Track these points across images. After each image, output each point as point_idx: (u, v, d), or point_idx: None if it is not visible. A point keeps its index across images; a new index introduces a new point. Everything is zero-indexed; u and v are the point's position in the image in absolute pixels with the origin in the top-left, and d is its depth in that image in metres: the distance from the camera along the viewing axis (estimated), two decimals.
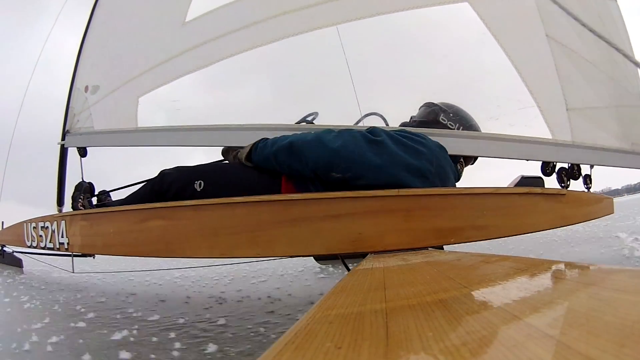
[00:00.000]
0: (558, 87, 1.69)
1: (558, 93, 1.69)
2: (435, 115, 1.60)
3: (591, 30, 1.57)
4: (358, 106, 1.94)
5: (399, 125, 1.67)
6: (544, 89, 1.71)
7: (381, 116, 1.76)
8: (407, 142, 1.24)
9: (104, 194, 1.82)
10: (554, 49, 1.70)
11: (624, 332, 0.21)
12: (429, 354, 0.23)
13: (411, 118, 1.67)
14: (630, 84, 1.71)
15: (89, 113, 2.03)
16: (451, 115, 1.59)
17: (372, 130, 1.27)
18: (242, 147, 1.45)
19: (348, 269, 1.25)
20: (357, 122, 1.74)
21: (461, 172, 1.55)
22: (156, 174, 1.48)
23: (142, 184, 1.54)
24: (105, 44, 2.10)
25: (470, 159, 1.61)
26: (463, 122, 1.58)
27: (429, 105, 1.66)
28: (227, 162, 1.54)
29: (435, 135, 1.50)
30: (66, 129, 2.06)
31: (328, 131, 1.27)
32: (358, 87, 1.96)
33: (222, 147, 1.63)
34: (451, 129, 1.57)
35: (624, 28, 1.76)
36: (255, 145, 1.37)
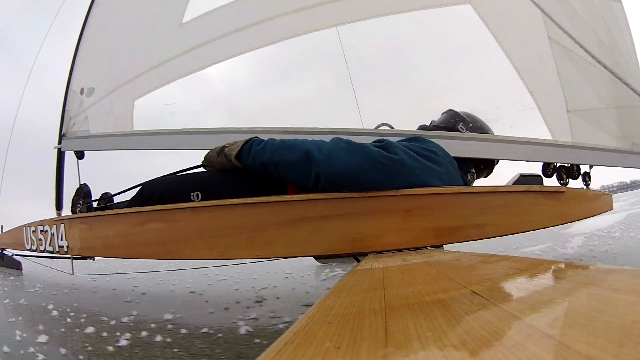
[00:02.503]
0: (559, 89, 1.70)
1: (559, 95, 1.70)
2: (454, 124, 1.61)
3: (599, 62, 1.59)
4: (357, 107, 1.94)
5: (418, 128, 1.68)
6: (545, 91, 1.72)
7: (390, 126, 1.71)
8: (422, 160, 1.20)
9: (107, 197, 1.81)
10: (555, 51, 1.70)
11: (623, 332, 0.21)
12: (428, 354, 0.23)
13: (431, 122, 1.68)
14: (631, 84, 1.71)
15: (85, 116, 2.02)
16: (470, 125, 1.60)
17: (387, 146, 1.18)
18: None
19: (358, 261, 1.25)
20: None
21: (471, 183, 1.55)
22: (140, 184, 1.42)
23: (130, 198, 1.48)
24: (101, 46, 2.09)
25: (483, 172, 1.62)
26: (480, 132, 1.60)
27: (450, 112, 1.67)
28: (227, 170, 1.41)
29: (434, 137, 1.50)
30: (62, 132, 2.05)
31: (336, 144, 1.18)
32: (357, 89, 1.96)
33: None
34: None
35: (627, 28, 1.76)
36: (248, 145, 1.28)
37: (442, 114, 1.70)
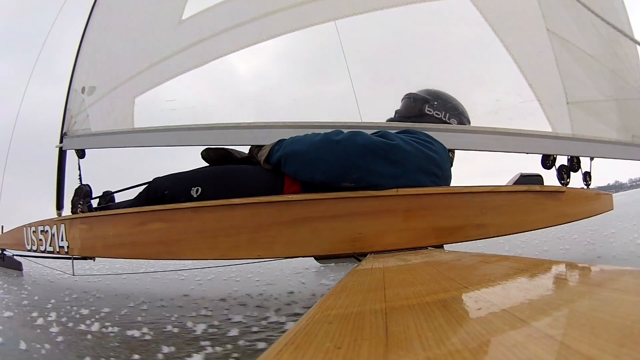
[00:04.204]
0: (558, 81, 1.69)
1: (558, 87, 1.69)
2: (420, 108, 1.55)
3: (592, 12, 1.56)
4: (356, 103, 1.94)
5: (386, 121, 1.63)
6: (544, 83, 1.71)
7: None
8: (420, 147, 1.21)
9: (108, 195, 1.81)
10: (554, 43, 1.70)
11: (624, 332, 0.21)
12: (428, 354, 0.23)
13: (396, 112, 1.63)
14: (631, 76, 1.70)
15: (86, 115, 2.03)
16: (435, 104, 1.55)
17: (385, 134, 1.22)
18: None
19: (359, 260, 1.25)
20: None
21: (452, 159, 1.53)
22: (149, 181, 1.44)
23: (137, 194, 1.51)
24: (102, 44, 2.10)
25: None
26: (449, 108, 1.55)
27: (409, 96, 1.61)
28: (224, 165, 1.48)
29: (433, 130, 1.50)
30: (64, 131, 2.06)
31: (337, 133, 1.21)
32: (355, 83, 1.96)
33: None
34: (438, 117, 1.54)
35: (627, 20, 1.75)
36: (272, 148, 1.32)
37: (402, 99, 1.64)
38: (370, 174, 1.16)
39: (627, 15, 1.76)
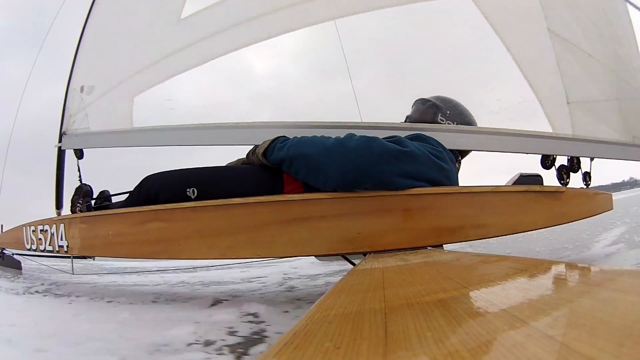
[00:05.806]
0: (559, 81, 1.69)
1: (559, 87, 1.69)
2: (432, 116, 1.56)
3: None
4: (356, 103, 1.94)
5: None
6: (545, 83, 1.71)
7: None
8: (432, 157, 1.21)
9: (104, 195, 1.80)
10: (555, 43, 1.69)
11: (623, 332, 0.21)
12: (427, 354, 0.23)
13: (406, 118, 1.63)
14: (632, 77, 1.70)
15: (85, 114, 2.02)
16: (448, 113, 1.56)
17: (399, 140, 1.20)
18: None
19: (353, 264, 1.25)
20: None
21: (458, 169, 1.54)
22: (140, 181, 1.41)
23: (129, 194, 1.48)
24: (101, 43, 2.09)
25: (465, 153, 1.61)
26: (460, 118, 1.57)
27: (423, 102, 1.61)
28: (221, 165, 1.45)
29: (434, 130, 1.50)
30: (62, 130, 2.05)
31: (349, 138, 1.18)
32: (355, 83, 1.97)
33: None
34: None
35: (628, 21, 1.75)
36: (273, 143, 1.29)
37: (413, 105, 1.64)
38: (383, 183, 1.15)
39: (630, 16, 1.76)
